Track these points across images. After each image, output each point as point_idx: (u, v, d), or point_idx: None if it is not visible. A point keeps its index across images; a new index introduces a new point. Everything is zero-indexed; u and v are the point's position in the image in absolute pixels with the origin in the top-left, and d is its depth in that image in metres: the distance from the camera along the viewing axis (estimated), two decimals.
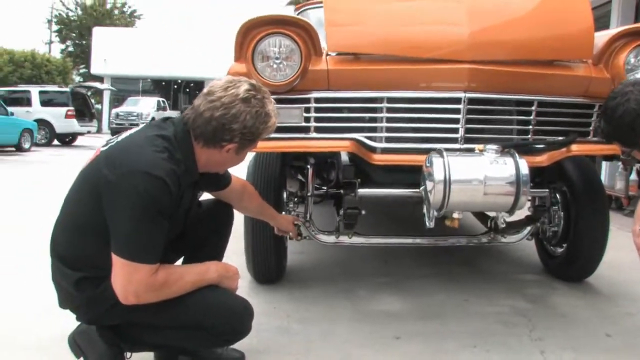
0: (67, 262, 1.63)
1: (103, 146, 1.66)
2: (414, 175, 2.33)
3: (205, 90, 1.62)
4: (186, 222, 1.75)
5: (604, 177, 6.47)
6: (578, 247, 2.83)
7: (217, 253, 1.90)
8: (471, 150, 2.20)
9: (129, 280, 1.49)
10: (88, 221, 1.58)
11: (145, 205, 1.45)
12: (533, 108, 2.34)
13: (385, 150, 2.33)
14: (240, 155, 1.68)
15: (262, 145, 2.26)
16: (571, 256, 2.89)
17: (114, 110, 21.32)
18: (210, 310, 1.61)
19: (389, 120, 2.31)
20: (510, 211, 2.13)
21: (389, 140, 2.33)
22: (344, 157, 2.56)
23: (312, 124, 2.31)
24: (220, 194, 1.99)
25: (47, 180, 7.08)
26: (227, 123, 1.57)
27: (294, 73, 2.20)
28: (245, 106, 1.57)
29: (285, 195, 2.74)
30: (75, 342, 1.71)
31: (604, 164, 6.03)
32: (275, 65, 2.19)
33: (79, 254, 1.61)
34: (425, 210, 2.30)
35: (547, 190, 2.66)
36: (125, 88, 26.45)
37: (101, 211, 1.52)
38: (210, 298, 1.62)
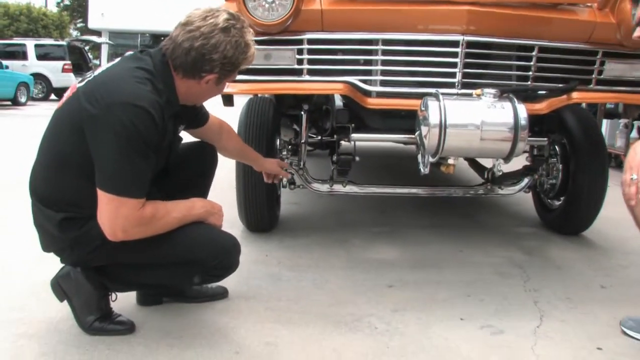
0: (49, 203, 1.60)
1: (79, 82, 1.62)
2: (409, 122, 2.31)
3: (182, 20, 1.58)
4: (170, 158, 1.72)
5: (604, 134, 6.40)
6: (576, 201, 2.82)
7: (201, 193, 1.88)
8: (469, 95, 2.17)
9: (115, 215, 1.47)
10: (69, 158, 1.55)
11: (130, 137, 1.43)
12: (534, 53, 2.29)
13: (380, 94, 2.31)
14: (219, 86, 1.66)
15: (253, 87, 2.30)
16: (568, 210, 2.89)
17: None
18: (198, 245, 1.61)
19: (384, 63, 2.28)
20: (507, 158, 2.11)
21: (384, 84, 2.31)
22: (339, 103, 2.54)
23: (305, 66, 2.28)
24: (199, 133, 1.97)
25: None
26: (207, 53, 1.54)
27: (287, 13, 2.15)
28: (225, 36, 1.54)
29: (278, 144, 2.74)
30: (59, 285, 1.71)
31: (605, 122, 5.98)
32: (267, 5, 2.15)
33: (61, 194, 1.59)
34: (419, 156, 2.30)
35: (545, 139, 2.61)
36: (124, 43, 26.05)
37: (83, 147, 1.49)
38: (197, 233, 1.61)
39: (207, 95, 1.70)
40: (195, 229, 1.62)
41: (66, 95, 1.62)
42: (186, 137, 1.93)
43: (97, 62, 24.51)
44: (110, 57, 24.94)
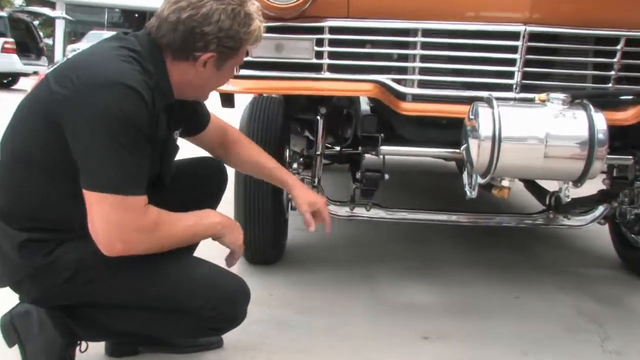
0: (10, 217, 1.58)
1: (49, 68, 1.62)
2: (453, 133, 2.34)
3: None
4: (163, 173, 1.73)
5: None
6: None
7: None
8: (530, 100, 2.19)
9: (111, 218, 1.45)
10: (36, 159, 1.54)
11: (118, 122, 1.43)
12: (618, 47, 2.29)
13: (417, 98, 2.35)
14: (222, 71, 1.66)
15: (260, 85, 2.35)
16: None
17: (70, 47, 20.14)
18: (197, 288, 1.60)
19: (423, 59, 2.32)
20: (579, 181, 2.12)
21: (422, 84, 2.34)
22: (365, 107, 2.59)
23: (326, 60, 2.32)
24: (198, 140, 1.99)
25: None
26: (197, 26, 1.56)
27: None
28: (218, 3, 1.56)
29: (287, 155, 2.77)
30: (13, 325, 1.62)
31: None
32: None
33: (25, 206, 1.57)
34: (466, 176, 2.32)
35: (630, 157, 2.56)
36: (85, 19, 25.84)
37: (55, 142, 1.49)
38: (196, 271, 1.62)
39: (207, 84, 1.71)
40: (193, 265, 1.63)
41: (33, 84, 1.63)
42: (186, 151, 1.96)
43: (49, 41, 23.86)
44: (68, 37, 24.61)
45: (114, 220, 1.46)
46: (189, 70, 1.62)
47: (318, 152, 2.70)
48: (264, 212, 2.71)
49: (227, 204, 2.41)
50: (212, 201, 1.98)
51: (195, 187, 1.93)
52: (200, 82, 1.67)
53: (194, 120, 1.92)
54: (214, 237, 1.68)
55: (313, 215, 2.04)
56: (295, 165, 2.76)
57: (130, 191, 1.47)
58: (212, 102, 2.32)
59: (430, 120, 2.42)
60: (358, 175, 2.68)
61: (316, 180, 2.74)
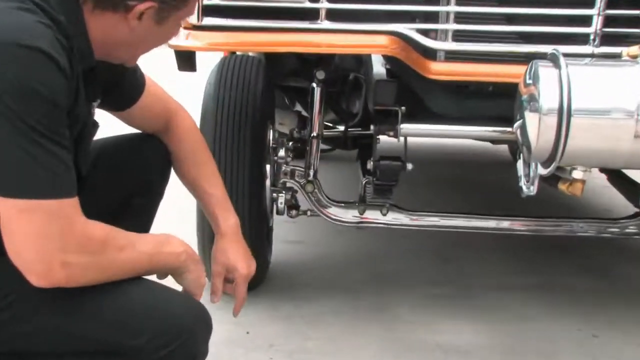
0: None
1: None
2: (503, 104, 2.36)
3: None
4: (80, 155, 1.64)
5: None
6: None
7: (142, 224, 1.90)
8: (615, 57, 2.15)
9: (45, 233, 1.40)
10: None
11: (30, 101, 1.36)
12: None
13: (452, 56, 2.37)
14: (164, 26, 1.60)
15: (233, 39, 2.35)
16: None
17: None
18: (141, 320, 1.55)
19: (460, 1, 2.33)
20: None
21: (459, 36, 2.36)
22: (378, 70, 2.60)
23: (324, 4, 2.32)
24: (130, 119, 1.95)
25: None
26: None
27: None
28: None
29: (271, 138, 2.80)
30: None
31: None
32: None
33: None
34: (521, 165, 2.31)
35: None
36: None
37: None
38: (138, 297, 1.57)
39: (143, 43, 1.65)
40: (132, 288, 1.57)
41: None
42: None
43: None
44: None
45: (47, 235, 1.39)
46: (118, 24, 1.56)
47: (314, 134, 2.73)
48: (239, 216, 2.62)
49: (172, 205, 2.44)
50: (150, 200, 1.99)
51: (124, 179, 1.91)
52: (132, 41, 1.61)
53: (121, 90, 1.86)
54: (173, 274, 1.66)
55: (227, 281, 1.98)
56: (281, 153, 2.77)
57: (60, 193, 1.41)
58: (164, 65, 2.20)
59: (471, 88, 2.46)
60: (370, 165, 2.69)
61: (311, 172, 2.76)
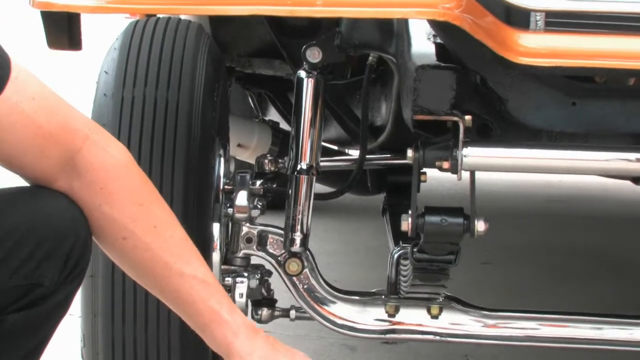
0: None
1: None
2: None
3: None
4: None
5: None
6: None
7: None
8: None
9: None
10: None
11: None
12: None
13: (559, 21, 2.37)
14: None
15: None
16: None
17: None
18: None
19: None
20: None
21: None
22: (422, 48, 2.64)
23: None
24: None
25: None
26: None
27: None
28: None
29: (222, 172, 2.83)
30: None
31: None
32: None
33: None
34: None
35: None
36: None
37: None
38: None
39: None
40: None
41: None
42: None
43: None
44: None
45: None
46: None
47: (303, 165, 2.74)
48: (161, 329, 2.73)
49: None
50: (38, 318, 2.03)
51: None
52: None
53: None
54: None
55: None
56: (241, 200, 2.75)
57: None
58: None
59: (595, 82, 2.50)
60: (407, 224, 2.62)
61: (297, 238, 2.73)
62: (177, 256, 2.11)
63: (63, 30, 2.78)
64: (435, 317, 2.71)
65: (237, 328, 2.08)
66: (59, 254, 2.01)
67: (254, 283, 2.73)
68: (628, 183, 4.28)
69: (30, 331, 2.08)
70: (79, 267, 2.09)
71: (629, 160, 2.61)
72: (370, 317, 2.74)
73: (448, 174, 2.62)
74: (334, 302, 2.74)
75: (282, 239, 2.72)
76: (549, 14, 2.33)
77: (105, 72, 2.76)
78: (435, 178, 2.81)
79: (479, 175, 2.71)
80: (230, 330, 2.08)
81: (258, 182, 2.80)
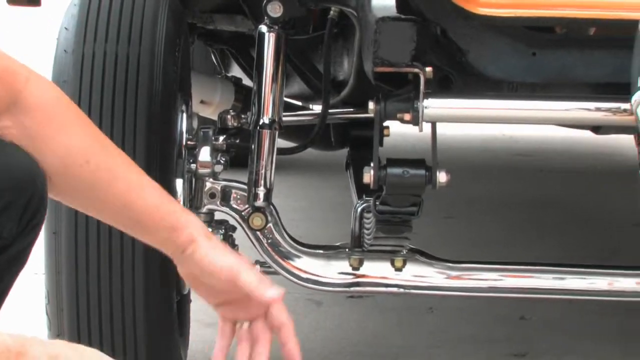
0: None
1: None
2: (613, 59, 2.53)
3: None
4: None
5: None
6: None
7: None
8: None
9: None
10: None
11: None
12: None
13: None
14: None
15: None
16: None
17: None
18: None
19: None
20: None
21: None
22: (383, 1, 2.64)
23: None
24: None
25: None
26: None
27: None
28: None
29: (184, 128, 2.86)
30: None
31: None
32: None
33: None
34: None
35: None
36: None
37: None
38: None
39: None
40: None
41: None
42: None
43: None
44: None
45: None
46: None
47: (265, 120, 2.75)
48: (126, 284, 2.75)
49: None
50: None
51: None
52: None
53: None
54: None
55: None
56: (204, 156, 2.78)
57: None
58: None
59: (556, 32, 2.60)
60: (369, 176, 2.64)
61: (261, 193, 2.76)
62: (133, 171, 2.14)
63: None
64: (399, 269, 2.71)
65: (200, 227, 2.06)
66: (17, 205, 2.03)
67: (218, 238, 2.69)
68: (589, 134, 4.40)
69: None
70: (35, 219, 2.08)
71: (588, 110, 2.61)
72: (334, 270, 2.76)
73: (412, 129, 2.63)
74: (298, 257, 2.75)
75: (246, 194, 2.74)
76: None
77: (66, 29, 2.77)
78: (400, 134, 2.79)
79: (444, 131, 2.73)
80: (194, 227, 2.07)
81: (221, 138, 2.80)
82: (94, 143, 2.09)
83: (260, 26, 2.72)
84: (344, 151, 3.28)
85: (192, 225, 2.06)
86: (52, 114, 2.04)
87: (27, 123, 1.98)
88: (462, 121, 2.83)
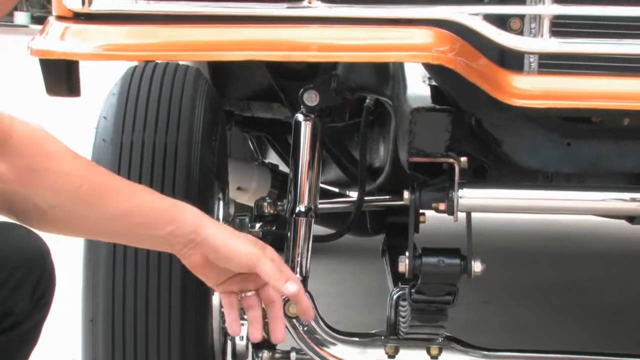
0: None
1: None
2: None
3: None
4: None
5: None
6: None
7: None
8: None
9: None
10: None
11: None
12: None
13: (551, 63, 2.40)
14: None
15: (149, 40, 2.50)
16: None
17: None
18: None
19: None
20: None
21: (560, 28, 2.34)
22: (418, 91, 2.66)
23: None
24: None
25: None
26: None
27: None
28: None
29: (221, 215, 2.84)
30: None
31: None
32: None
33: None
34: None
35: None
36: None
37: None
38: None
39: None
40: None
41: None
42: None
43: None
44: None
45: None
46: None
47: (301, 207, 2.76)
48: (163, 330, 2.72)
49: None
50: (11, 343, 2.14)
51: None
52: None
53: None
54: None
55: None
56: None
57: None
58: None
59: (591, 122, 2.54)
60: (404, 265, 2.64)
61: (298, 277, 2.66)
62: (121, 180, 2.23)
63: (61, 78, 2.73)
64: (434, 357, 2.73)
65: (200, 213, 2.13)
66: (29, 282, 2.18)
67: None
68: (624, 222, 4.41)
69: (3, 358, 2.19)
70: (46, 295, 2.25)
71: (624, 200, 2.64)
72: (370, 358, 2.77)
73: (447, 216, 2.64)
74: (334, 344, 2.75)
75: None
76: (542, 56, 2.37)
77: (104, 118, 2.80)
78: (437, 217, 2.82)
79: (479, 214, 2.74)
80: (195, 214, 2.13)
81: (257, 225, 2.84)
82: (83, 166, 2.14)
83: (296, 114, 2.75)
84: (381, 236, 3.28)
85: (192, 212, 2.12)
86: (42, 144, 2.09)
87: (19, 162, 2.02)
88: (497, 211, 2.81)
